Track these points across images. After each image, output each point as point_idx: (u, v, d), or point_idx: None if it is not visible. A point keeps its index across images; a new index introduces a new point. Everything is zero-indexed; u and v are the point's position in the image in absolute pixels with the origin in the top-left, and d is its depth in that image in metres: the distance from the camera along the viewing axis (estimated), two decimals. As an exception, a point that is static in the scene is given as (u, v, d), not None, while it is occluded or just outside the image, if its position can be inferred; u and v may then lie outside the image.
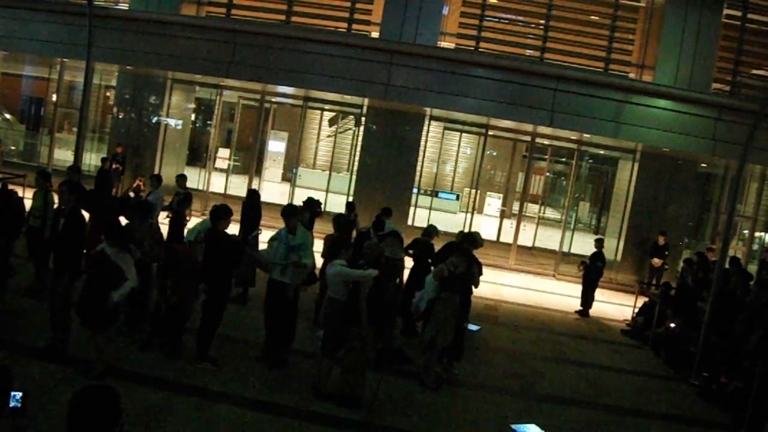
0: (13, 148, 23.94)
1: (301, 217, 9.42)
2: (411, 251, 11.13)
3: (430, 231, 11.30)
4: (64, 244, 7.76)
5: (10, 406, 3.27)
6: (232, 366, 8.24)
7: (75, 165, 12.86)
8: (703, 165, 20.13)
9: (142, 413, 6.52)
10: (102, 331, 7.23)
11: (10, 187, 10.82)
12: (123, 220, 9.19)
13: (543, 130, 18.69)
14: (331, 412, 7.36)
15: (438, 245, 11.07)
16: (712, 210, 21.51)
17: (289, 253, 8.36)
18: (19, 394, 3.27)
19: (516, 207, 23.06)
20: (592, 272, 14.89)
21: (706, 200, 21.97)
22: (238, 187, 20.86)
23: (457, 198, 26.93)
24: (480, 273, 9.74)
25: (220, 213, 8.17)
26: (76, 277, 7.80)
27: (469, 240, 10.02)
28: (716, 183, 21.80)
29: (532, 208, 24.74)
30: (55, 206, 9.21)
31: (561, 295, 16.71)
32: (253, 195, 13.17)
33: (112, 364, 7.37)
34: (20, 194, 10.58)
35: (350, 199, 17.48)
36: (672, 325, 12.17)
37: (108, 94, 23.56)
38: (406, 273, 11.14)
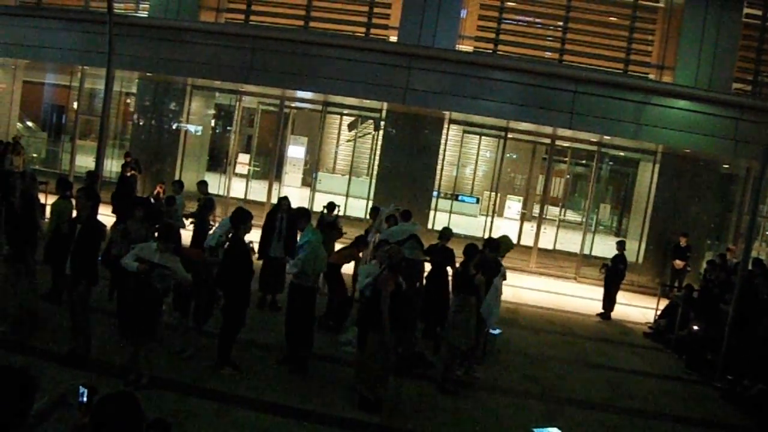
0: (35, 155, 24.25)
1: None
2: (430, 257, 11.10)
3: (448, 234, 11.28)
4: (81, 251, 7.74)
5: (78, 400, 3.32)
6: (253, 370, 8.27)
7: (94, 171, 13.00)
8: (724, 166, 19.89)
9: (163, 418, 6.55)
10: (154, 338, 7.41)
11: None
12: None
13: (563, 132, 18.60)
14: (352, 416, 7.36)
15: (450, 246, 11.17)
16: (735, 211, 21.23)
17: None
18: (86, 390, 3.31)
19: (536, 210, 22.94)
20: (613, 275, 14.78)
21: (728, 201, 21.68)
22: (259, 192, 20.96)
23: (477, 201, 26.85)
24: (503, 278, 9.67)
25: (241, 218, 8.00)
26: (93, 283, 7.85)
27: (492, 246, 10.08)
28: (738, 184, 21.51)
29: (553, 211, 24.64)
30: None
31: (582, 297, 16.59)
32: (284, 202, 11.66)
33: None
34: (42, 201, 10.68)
35: (371, 203, 17.51)
36: (695, 327, 12.05)
37: (128, 101, 23.79)
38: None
